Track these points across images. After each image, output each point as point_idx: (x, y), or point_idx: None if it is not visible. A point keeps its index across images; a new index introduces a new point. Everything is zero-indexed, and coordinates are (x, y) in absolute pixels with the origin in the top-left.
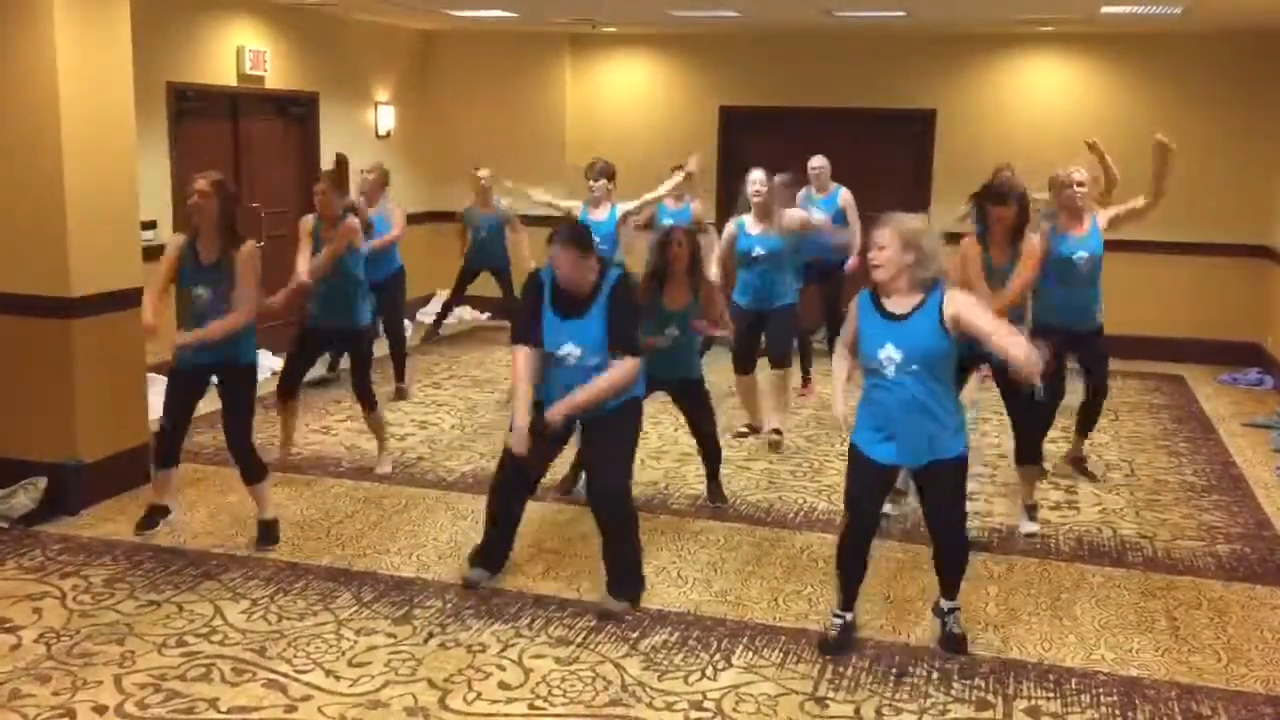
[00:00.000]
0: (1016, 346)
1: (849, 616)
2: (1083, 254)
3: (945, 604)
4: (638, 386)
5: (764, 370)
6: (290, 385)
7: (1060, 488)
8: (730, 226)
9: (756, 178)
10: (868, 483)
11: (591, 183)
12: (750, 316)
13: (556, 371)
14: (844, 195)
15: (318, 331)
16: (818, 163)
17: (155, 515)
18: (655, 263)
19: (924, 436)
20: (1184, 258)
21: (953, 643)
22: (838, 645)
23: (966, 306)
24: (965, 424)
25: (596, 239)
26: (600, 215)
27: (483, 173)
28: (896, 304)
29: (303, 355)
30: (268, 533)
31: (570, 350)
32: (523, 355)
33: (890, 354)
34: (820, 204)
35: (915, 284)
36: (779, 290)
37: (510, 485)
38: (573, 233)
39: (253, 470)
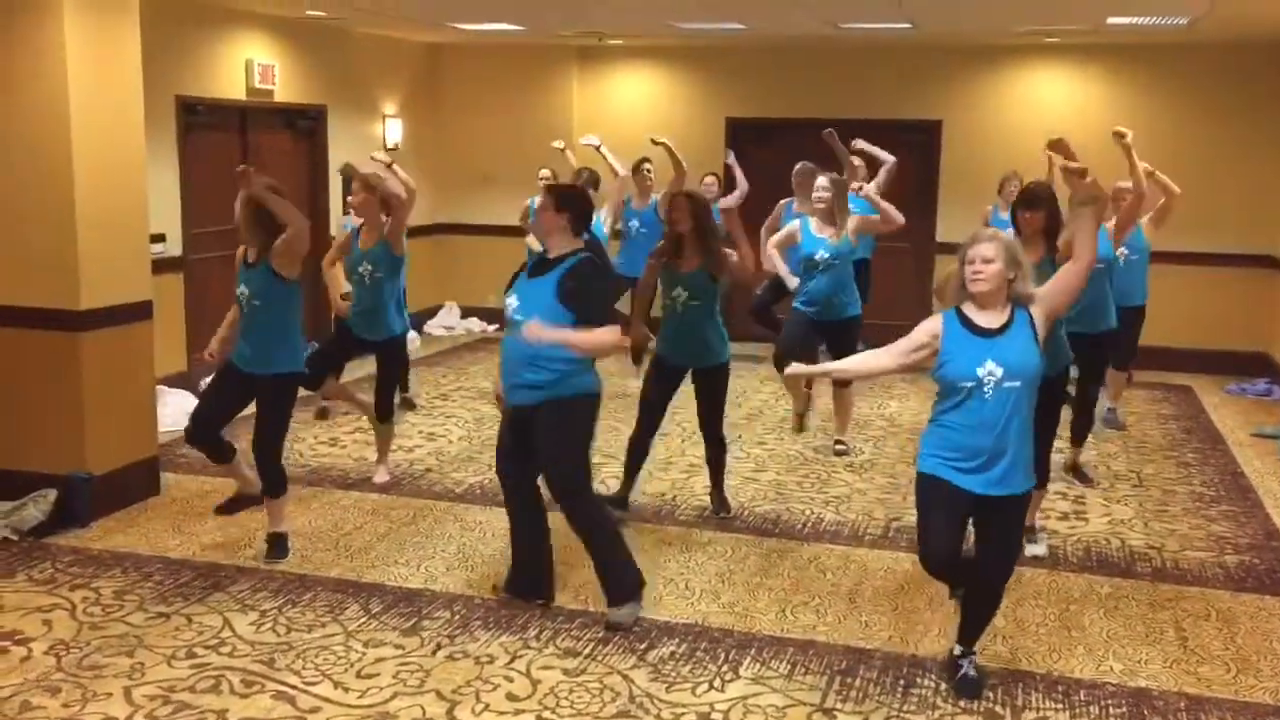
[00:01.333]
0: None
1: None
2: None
3: (959, 649)
4: (590, 380)
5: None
6: (317, 375)
7: (1068, 498)
8: (793, 223)
9: (823, 183)
10: (951, 514)
11: None
12: (807, 324)
13: (507, 337)
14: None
15: (353, 337)
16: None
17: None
18: (665, 230)
19: (1009, 461)
20: (1192, 268)
21: (969, 687)
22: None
23: (1044, 287)
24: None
25: None
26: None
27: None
28: (987, 319)
29: (335, 351)
30: (277, 546)
31: (511, 301)
32: None
33: (991, 370)
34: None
35: (1006, 300)
36: (844, 300)
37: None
38: (562, 190)
39: (276, 484)
